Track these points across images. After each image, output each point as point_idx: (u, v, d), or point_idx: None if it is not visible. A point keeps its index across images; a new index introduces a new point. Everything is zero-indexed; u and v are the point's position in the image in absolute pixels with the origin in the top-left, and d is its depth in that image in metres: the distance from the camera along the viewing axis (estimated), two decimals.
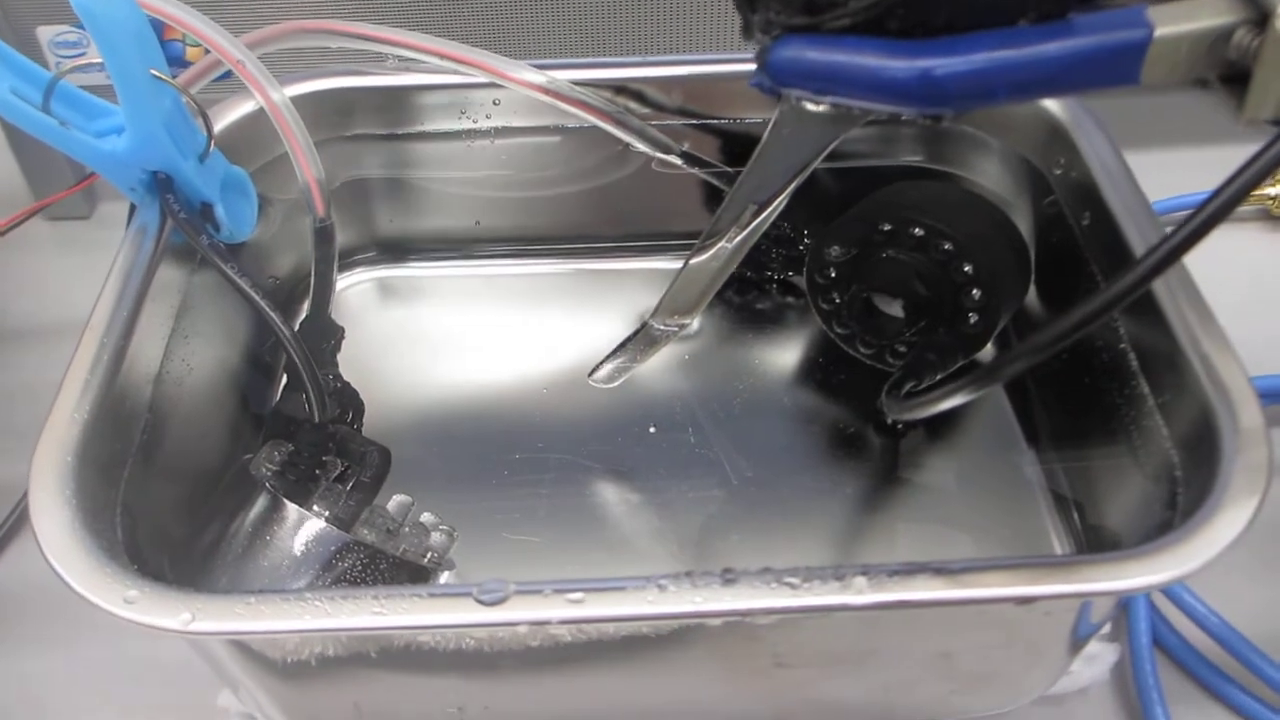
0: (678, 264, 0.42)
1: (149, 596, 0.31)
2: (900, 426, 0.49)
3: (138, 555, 0.35)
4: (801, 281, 0.54)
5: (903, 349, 0.49)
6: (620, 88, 0.50)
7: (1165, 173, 0.54)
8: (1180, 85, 0.31)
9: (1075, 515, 0.47)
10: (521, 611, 0.31)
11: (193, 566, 0.39)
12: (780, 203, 0.39)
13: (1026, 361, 0.33)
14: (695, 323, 0.44)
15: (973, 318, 0.47)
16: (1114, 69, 0.29)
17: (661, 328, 0.43)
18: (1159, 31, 0.29)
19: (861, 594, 0.32)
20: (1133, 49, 0.29)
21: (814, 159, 0.37)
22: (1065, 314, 0.32)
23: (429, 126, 0.52)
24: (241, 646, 0.34)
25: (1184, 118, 0.64)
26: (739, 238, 0.40)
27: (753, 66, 0.49)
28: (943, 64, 0.29)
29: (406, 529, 0.41)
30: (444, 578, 0.41)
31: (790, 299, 0.55)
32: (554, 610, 0.31)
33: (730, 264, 0.41)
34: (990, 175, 0.53)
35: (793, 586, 0.32)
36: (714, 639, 0.35)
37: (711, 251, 0.41)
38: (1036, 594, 0.32)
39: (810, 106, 0.35)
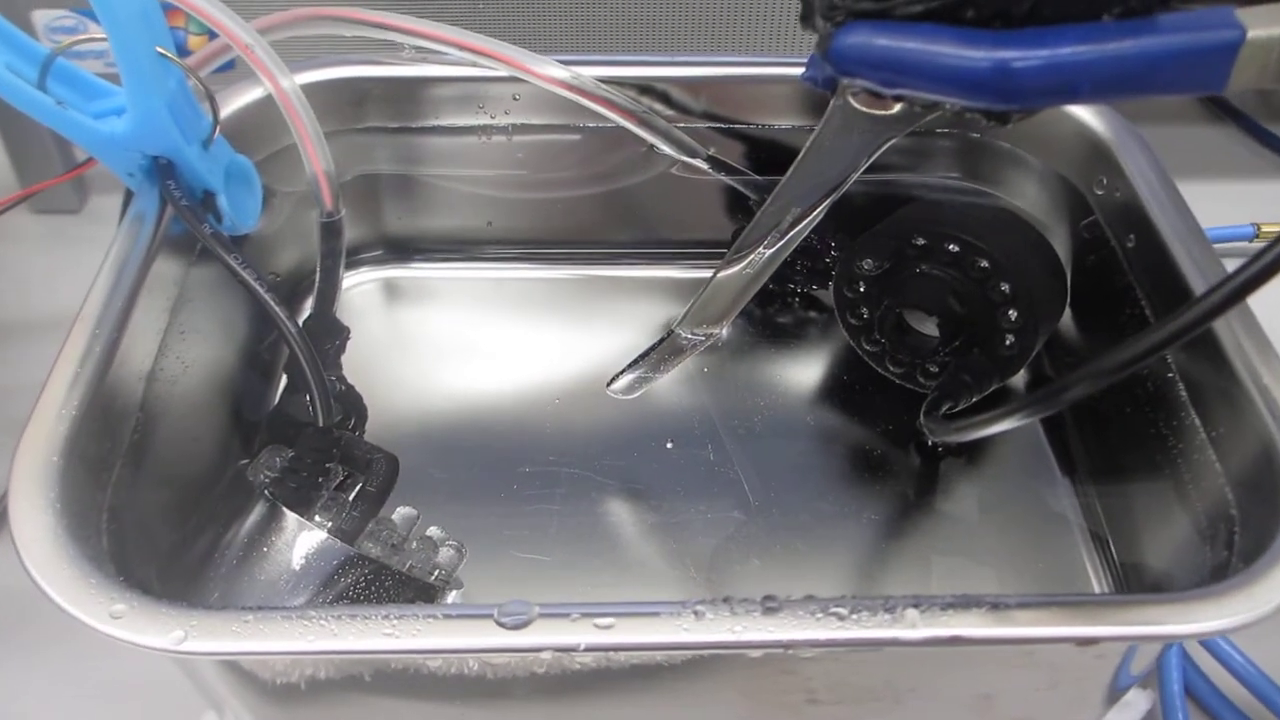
0: (700, 273, 0.40)
1: (138, 611, 0.29)
2: (939, 449, 0.47)
3: (124, 565, 0.33)
4: (826, 296, 0.53)
5: (934, 369, 0.47)
6: (646, 87, 0.49)
7: None
8: (1262, 88, 0.29)
9: (1112, 550, 0.45)
10: (546, 636, 0.29)
11: (183, 578, 0.36)
12: (823, 209, 0.37)
13: (1088, 388, 0.31)
14: (724, 333, 0.41)
15: (1009, 339, 0.46)
16: (1202, 71, 0.27)
17: (689, 337, 0.41)
18: (1252, 34, 0.27)
19: (914, 628, 0.30)
20: (1223, 50, 0.27)
21: (863, 162, 0.35)
22: (1134, 339, 0.29)
23: (444, 121, 0.50)
24: (233, 666, 0.32)
25: (1196, 150, 0.63)
26: (778, 244, 0.38)
27: (784, 69, 0.50)
28: (1022, 57, 0.27)
29: (413, 544, 0.39)
30: (451, 597, 0.38)
31: (813, 313, 0.54)
32: (581, 635, 0.29)
33: (765, 272, 0.39)
34: (1026, 193, 0.51)
35: (839, 617, 0.30)
36: (744, 670, 0.33)
37: (747, 258, 0.39)
38: (1100, 635, 0.30)
39: (860, 106, 0.33)
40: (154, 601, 0.30)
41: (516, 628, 0.29)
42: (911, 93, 0.29)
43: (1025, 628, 0.30)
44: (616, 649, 0.29)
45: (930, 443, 0.46)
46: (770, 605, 0.30)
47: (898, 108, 0.32)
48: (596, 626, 0.29)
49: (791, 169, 0.36)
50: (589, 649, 0.29)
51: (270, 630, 0.29)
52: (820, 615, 0.30)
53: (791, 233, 0.38)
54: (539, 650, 0.29)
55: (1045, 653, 0.33)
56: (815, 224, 0.38)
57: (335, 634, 0.29)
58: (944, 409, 0.41)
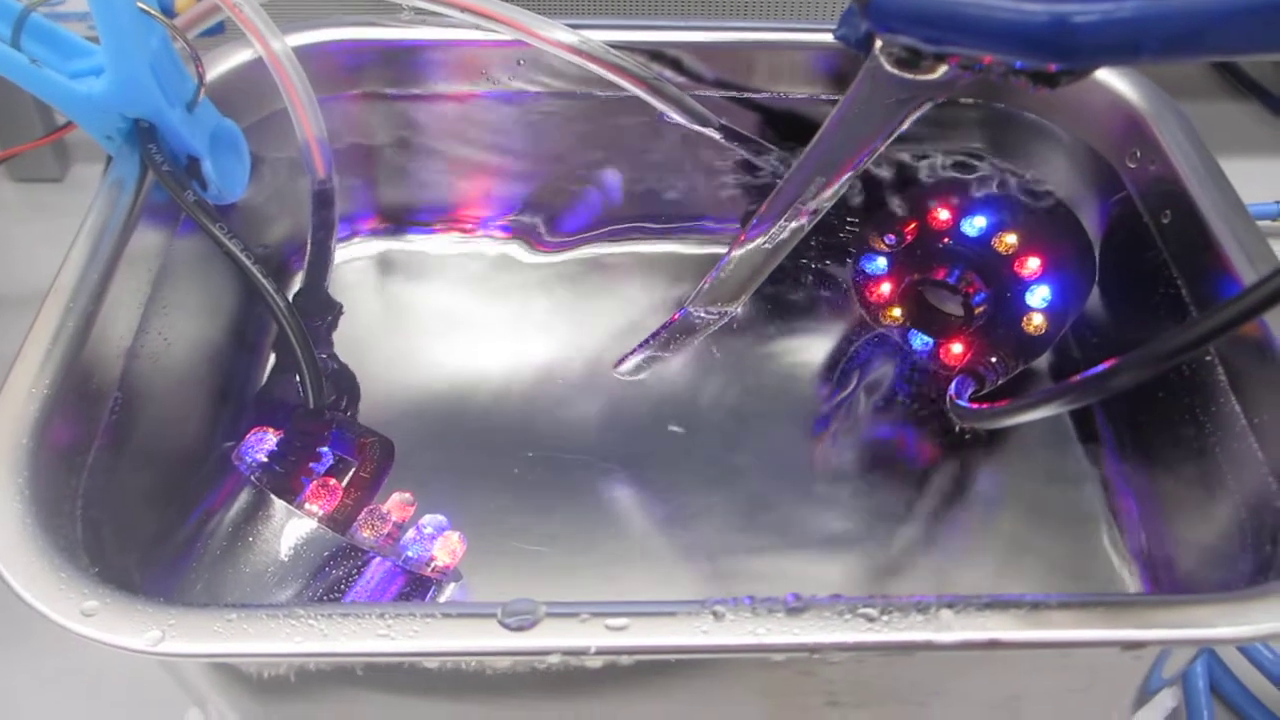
0: (711, 248, 0.38)
1: (111, 609, 0.27)
2: (962, 433, 0.45)
3: (100, 555, 0.31)
4: (839, 271, 0.51)
5: (958, 348, 0.44)
6: (657, 53, 0.46)
7: None
8: None
9: (1143, 542, 0.42)
10: (553, 639, 0.27)
11: (164, 569, 0.35)
12: (849, 180, 0.35)
13: (1138, 375, 0.29)
14: (739, 310, 0.39)
15: (1037, 318, 0.44)
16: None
17: (702, 315, 0.39)
18: None
19: (948, 630, 0.27)
20: None
21: (894, 131, 0.33)
22: (1191, 324, 0.27)
23: (444, 87, 0.48)
24: (216, 665, 0.30)
25: (1216, 126, 0.61)
26: (800, 217, 0.35)
27: (801, 35, 0.47)
28: (1083, 10, 0.25)
29: (409, 533, 0.36)
30: (449, 590, 0.36)
31: (826, 291, 0.51)
32: (592, 638, 0.27)
33: (785, 247, 0.37)
34: (1053, 166, 0.49)
35: (869, 619, 0.28)
36: (761, 671, 0.31)
37: (766, 232, 0.36)
38: (1148, 638, 0.28)
39: (894, 69, 0.31)
40: (129, 598, 0.27)
41: (521, 629, 0.27)
42: (958, 49, 0.27)
43: (1067, 630, 0.28)
44: (630, 652, 0.27)
45: (955, 428, 0.44)
46: (795, 606, 0.28)
47: (940, 70, 0.29)
48: (608, 628, 0.27)
49: (816, 137, 0.34)
50: (600, 652, 0.27)
51: (255, 630, 0.27)
52: (849, 616, 0.28)
53: (814, 204, 0.36)
54: (546, 654, 0.27)
55: (1083, 655, 0.31)
56: (839, 196, 0.35)
57: (325, 634, 0.27)
58: (970, 393, 0.39)
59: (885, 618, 0.28)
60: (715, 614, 0.27)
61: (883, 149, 0.35)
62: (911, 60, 0.30)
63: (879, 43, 0.30)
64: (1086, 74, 0.28)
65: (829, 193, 0.36)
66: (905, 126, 0.34)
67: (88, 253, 0.36)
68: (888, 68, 0.31)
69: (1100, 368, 0.30)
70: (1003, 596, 0.28)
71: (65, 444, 0.32)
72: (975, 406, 0.37)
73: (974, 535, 0.43)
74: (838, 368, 0.48)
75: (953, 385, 0.40)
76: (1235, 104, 0.73)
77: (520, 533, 0.41)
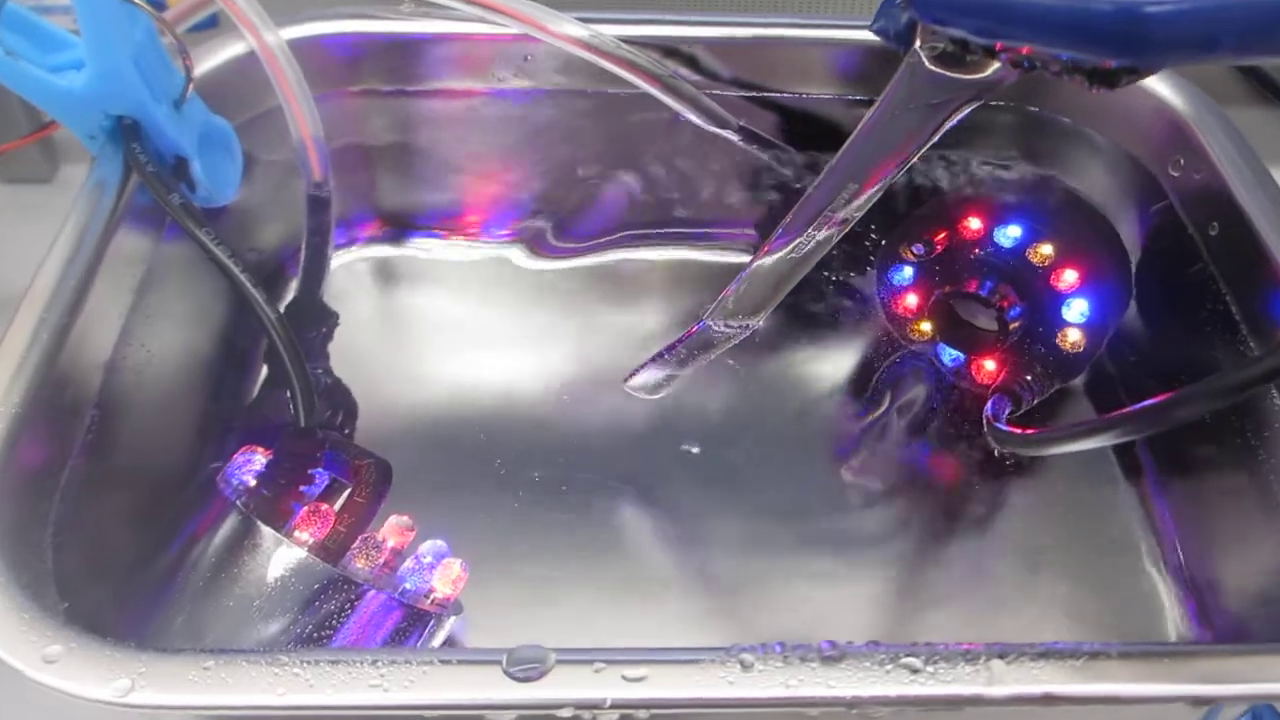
0: (729, 257, 0.36)
1: (77, 654, 0.24)
2: (997, 456, 0.42)
3: (70, 588, 0.29)
4: (861, 282, 0.49)
5: (990, 365, 0.42)
6: (672, 49, 0.44)
7: None
8: None
9: (1188, 574, 0.40)
10: (564, 690, 0.24)
11: (143, 601, 0.32)
12: (883, 186, 0.32)
13: (1205, 405, 0.27)
14: (761, 324, 0.37)
15: (1073, 334, 0.42)
16: None
17: (722, 329, 0.37)
18: None
19: (1000, 684, 0.25)
20: None
21: (934, 134, 0.31)
22: (1270, 353, 0.25)
23: (447, 84, 0.46)
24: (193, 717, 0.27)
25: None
26: (830, 226, 0.33)
27: (825, 31, 0.45)
28: (1156, 0, 0.22)
29: (407, 562, 0.34)
30: (449, 624, 0.34)
31: (848, 301, 0.49)
32: (607, 689, 0.24)
33: (814, 256, 0.35)
34: (1089, 174, 0.47)
35: (912, 670, 0.25)
36: None
37: (793, 241, 0.34)
38: (1218, 695, 0.26)
39: (936, 67, 0.29)
40: (97, 642, 0.25)
41: (529, 679, 0.24)
42: (1012, 42, 0.24)
43: (1129, 684, 0.26)
44: (649, 706, 0.24)
45: (994, 452, 0.41)
46: (831, 654, 0.25)
47: (989, 68, 0.27)
48: (625, 679, 0.25)
49: (848, 141, 0.32)
50: (616, 706, 0.24)
51: (234, 679, 0.24)
52: (890, 667, 0.25)
53: (844, 214, 0.33)
54: (557, 707, 0.24)
55: (1143, 708, 0.28)
56: (871, 204, 0.33)
57: (311, 685, 0.24)
58: (1006, 414, 0.37)
59: (931, 668, 0.25)
60: (742, 663, 0.25)
61: (919, 155, 0.32)
62: (956, 56, 0.28)
63: (921, 37, 0.28)
64: (1149, 73, 0.25)
65: (860, 201, 0.33)
66: (945, 130, 0.31)
67: (65, 259, 0.34)
68: (929, 65, 0.29)
69: (1163, 398, 0.27)
70: (1058, 645, 0.26)
71: (36, 465, 0.31)
72: (1019, 431, 0.34)
73: (1010, 566, 0.41)
74: (864, 385, 0.46)
75: (989, 406, 0.38)
76: (1261, 111, 0.70)
77: (525, 559, 0.40)
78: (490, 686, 0.24)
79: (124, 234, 0.36)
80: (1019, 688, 0.25)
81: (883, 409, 0.44)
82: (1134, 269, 0.44)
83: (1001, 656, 0.25)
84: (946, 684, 0.25)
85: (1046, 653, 0.26)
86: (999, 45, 0.25)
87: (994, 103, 0.46)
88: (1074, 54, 0.24)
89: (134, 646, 0.25)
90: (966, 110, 0.30)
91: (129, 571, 0.33)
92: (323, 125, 0.41)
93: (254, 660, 0.25)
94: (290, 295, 0.42)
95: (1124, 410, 0.29)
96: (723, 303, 0.36)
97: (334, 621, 0.32)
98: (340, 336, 0.42)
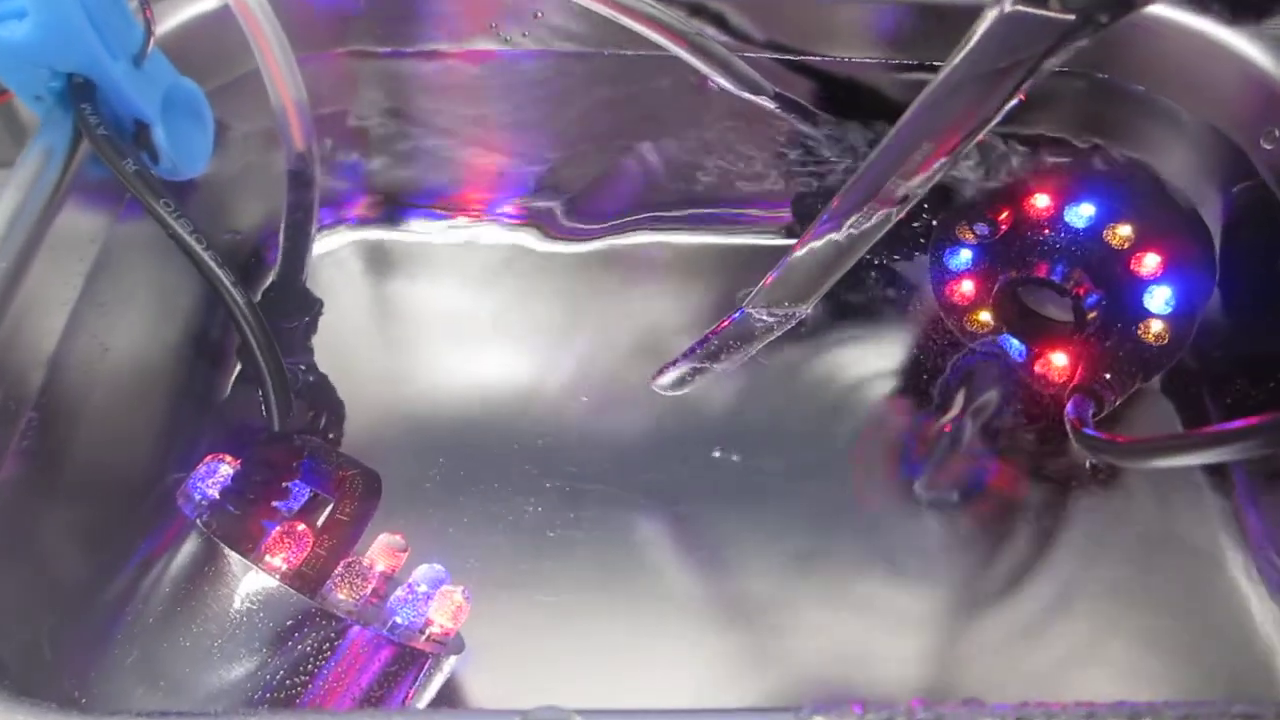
0: (761, 239, 0.35)
1: None
2: (1099, 471, 0.38)
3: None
4: (908, 268, 0.45)
5: (1061, 360, 0.38)
6: (698, 6, 0.41)
7: None
8: None
9: None
10: None
11: (88, 636, 0.28)
12: (953, 158, 0.29)
13: None
14: (808, 311, 0.33)
15: (1156, 325, 0.38)
16: None
17: (764, 318, 0.33)
18: None
19: None
20: None
21: (1018, 88, 0.27)
22: None
23: (446, 45, 0.43)
24: None
25: None
26: (888, 203, 0.29)
27: None
28: None
29: (399, 592, 0.30)
30: (449, 665, 0.30)
31: (891, 290, 0.45)
32: None
33: (869, 237, 0.31)
34: (1165, 148, 0.43)
35: None
36: None
37: (847, 220, 0.30)
38: None
39: (1023, 6, 0.25)
40: (9, 700, 0.20)
41: None
42: None
43: None
44: None
45: (1065, 459, 0.38)
46: (924, 718, 0.20)
47: None
48: None
49: (914, 106, 0.28)
50: None
51: None
52: None
53: (905, 189, 0.29)
54: None
55: None
56: (944, 172, 0.29)
57: None
58: (1089, 418, 0.33)
59: None
60: None
61: (998, 120, 0.28)
62: None
63: None
64: None
65: (925, 175, 0.30)
66: (1031, 82, 0.27)
67: None
68: (1017, 4, 0.25)
69: None
70: (1204, 705, 0.21)
71: None
72: (1119, 440, 0.30)
73: (1087, 596, 0.37)
74: (913, 384, 0.42)
75: (1070, 408, 0.34)
76: None
77: (535, 581, 0.36)
78: None
79: (73, 210, 0.33)
80: None
81: (939, 410, 0.41)
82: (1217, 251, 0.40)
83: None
84: None
85: (1188, 716, 0.21)
86: None
87: (1061, 69, 0.43)
88: None
89: (55, 708, 0.21)
90: (1060, 55, 0.26)
91: (74, 600, 0.29)
92: (306, 90, 0.39)
93: None
94: (269, 282, 0.38)
95: (1257, 420, 0.24)
96: (765, 288, 0.32)
97: (311, 665, 0.27)
98: (325, 328, 0.40)
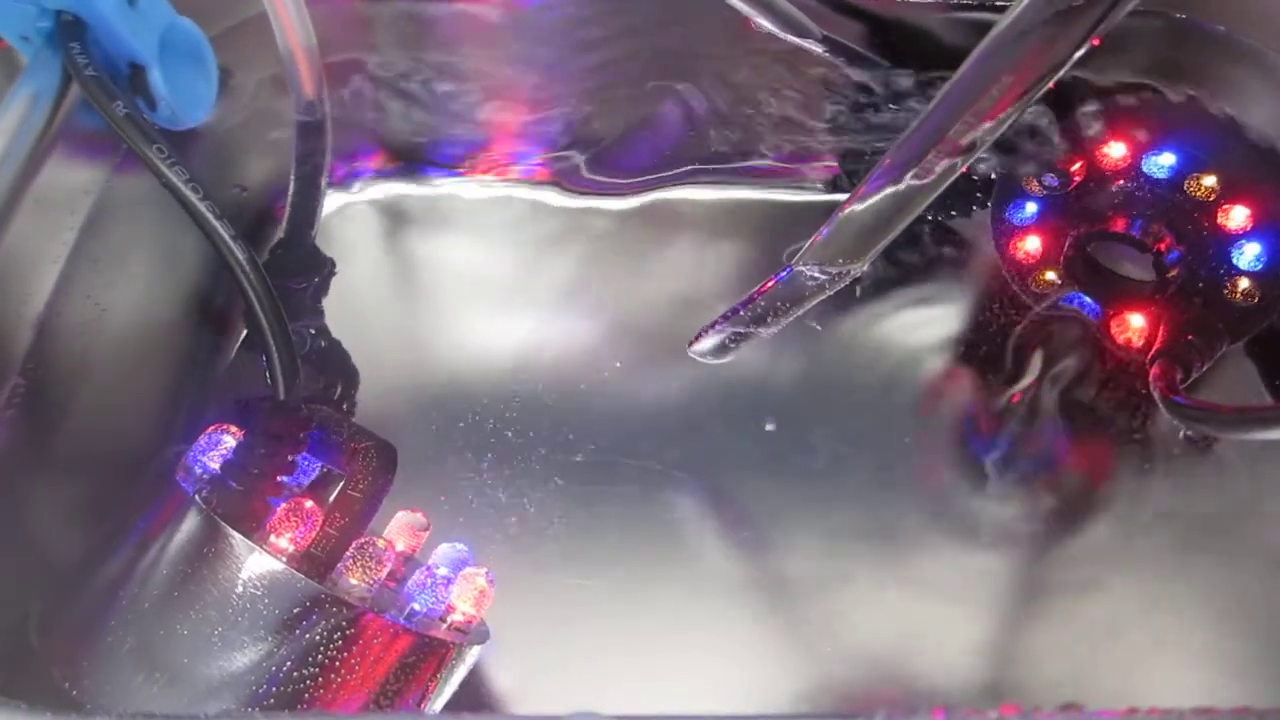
0: (806, 196, 0.35)
1: None
2: (1197, 442, 0.36)
3: None
4: (964, 225, 0.42)
5: (1139, 322, 0.36)
6: None
7: None
8: None
9: None
10: None
11: (80, 619, 0.27)
12: (1023, 104, 0.27)
13: None
14: (864, 270, 0.31)
15: (1244, 283, 0.36)
16: None
17: (816, 275, 0.30)
18: None
19: None
20: None
21: (1096, 25, 0.25)
22: None
23: None
24: None
25: None
26: (951, 154, 0.26)
27: None
28: None
29: (417, 575, 0.28)
30: (472, 656, 0.28)
31: (947, 248, 0.43)
32: None
33: (931, 190, 0.29)
34: (1252, 94, 0.40)
35: None
36: None
37: (906, 171, 0.28)
38: None
39: None
40: None
41: None
42: None
43: None
44: None
45: (1135, 430, 0.35)
46: None
47: None
48: None
49: (994, 36, 0.26)
50: None
51: None
52: None
53: (985, 128, 0.26)
54: None
55: None
56: (1016, 117, 0.26)
57: None
58: (1178, 385, 0.30)
59: None
60: None
61: (1073, 61, 0.26)
62: None
63: None
64: None
65: (994, 121, 0.27)
66: (1105, 26, 0.25)
67: None
68: None
69: None
70: None
71: None
72: (1221, 409, 0.27)
73: (1165, 585, 0.34)
74: (972, 348, 0.39)
75: (1155, 374, 0.31)
76: None
77: (564, 561, 0.35)
78: None
79: (64, 160, 0.32)
80: None
81: (1009, 379, 0.37)
82: None
83: None
84: None
85: None
86: None
87: (1138, 9, 0.39)
88: None
89: (26, 709, 0.18)
90: None
91: (65, 580, 0.27)
92: (316, 35, 0.37)
93: None
94: (277, 239, 0.37)
95: None
96: (816, 245, 0.29)
97: (320, 656, 0.25)
98: (338, 290, 0.38)
